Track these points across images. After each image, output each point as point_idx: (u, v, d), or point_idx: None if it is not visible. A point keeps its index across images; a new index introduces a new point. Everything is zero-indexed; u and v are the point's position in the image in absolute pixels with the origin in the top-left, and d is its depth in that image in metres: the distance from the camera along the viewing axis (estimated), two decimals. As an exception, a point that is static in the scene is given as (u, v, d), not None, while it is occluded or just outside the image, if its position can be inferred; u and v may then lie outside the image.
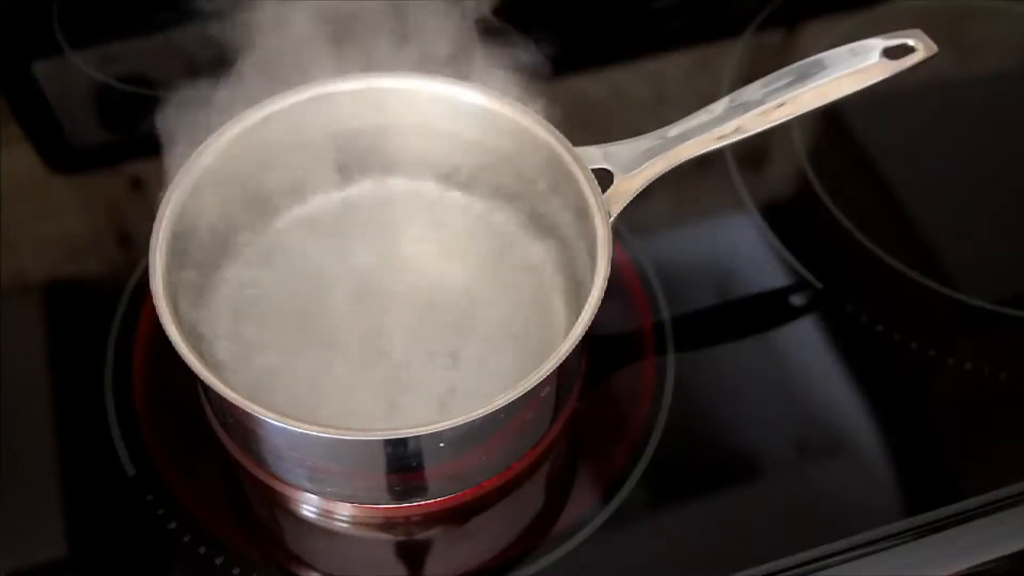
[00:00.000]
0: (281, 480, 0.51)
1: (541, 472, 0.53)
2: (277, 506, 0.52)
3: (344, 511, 0.51)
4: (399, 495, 0.50)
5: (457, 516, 0.52)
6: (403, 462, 0.47)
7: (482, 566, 0.50)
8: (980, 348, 0.58)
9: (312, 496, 0.51)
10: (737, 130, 0.54)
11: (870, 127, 0.69)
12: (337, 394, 0.52)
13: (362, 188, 0.59)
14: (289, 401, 0.51)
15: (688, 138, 0.54)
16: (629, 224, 0.61)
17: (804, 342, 0.58)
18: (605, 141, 0.54)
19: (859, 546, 0.51)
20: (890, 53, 0.55)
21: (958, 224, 0.64)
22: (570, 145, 0.53)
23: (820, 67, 0.55)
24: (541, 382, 0.45)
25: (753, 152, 0.67)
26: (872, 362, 0.57)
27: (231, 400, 0.45)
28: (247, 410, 0.45)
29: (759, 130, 0.54)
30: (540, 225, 0.57)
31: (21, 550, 0.50)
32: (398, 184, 0.59)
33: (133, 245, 0.61)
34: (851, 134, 0.69)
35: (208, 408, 0.53)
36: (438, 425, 0.44)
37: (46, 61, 0.71)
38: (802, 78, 0.55)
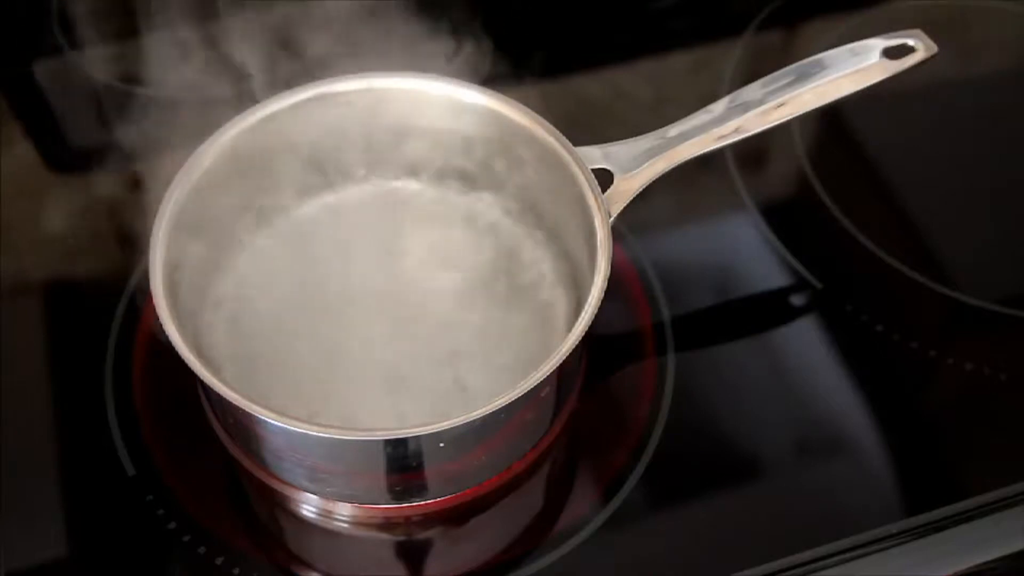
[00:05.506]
0: (281, 480, 0.51)
1: (541, 472, 0.53)
2: (277, 506, 0.52)
3: (344, 511, 0.51)
4: (399, 495, 0.50)
5: (457, 516, 0.52)
6: (403, 462, 0.47)
7: (482, 566, 0.50)
8: (980, 348, 0.58)
9: (312, 496, 0.51)
10: (737, 130, 0.54)
11: (870, 127, 0.69)
12: (337, 394, 0.52)
13: (362, 188, 0.59)
14: (289, 401, 0.51)
15: (688, 138, 0.54)
16: (629, 224, 0.61)
17: (804, 342, 0.58)
18: (605, 141, 0.54)
19: (859, 546, 0.51)
20: (890, 53, 0.55)
21: (958, 224, 0.64)
22: (570, 145, 0.53)
23: (820, 67, 0.55)
24: (541, 382, 0.45)
25: (753, 152, 0.67)
26: (872, 362, 0.57)
27: (231, 400, 0.45)
28: (247, 410, 0.45)
29: (759, 130, 0.54)
30: (540, 225, 0.57)
31: (21, 550, 0.50)
32: (397, 184, 0.59)
33: (133, 245, 0.61)
34: (851, 134, 0.69)
35: (208, 408, 0.53)
36: (438, 425, 0.44)
37: (46, 61, 0.71)
38: (802, 78, 0.55)
